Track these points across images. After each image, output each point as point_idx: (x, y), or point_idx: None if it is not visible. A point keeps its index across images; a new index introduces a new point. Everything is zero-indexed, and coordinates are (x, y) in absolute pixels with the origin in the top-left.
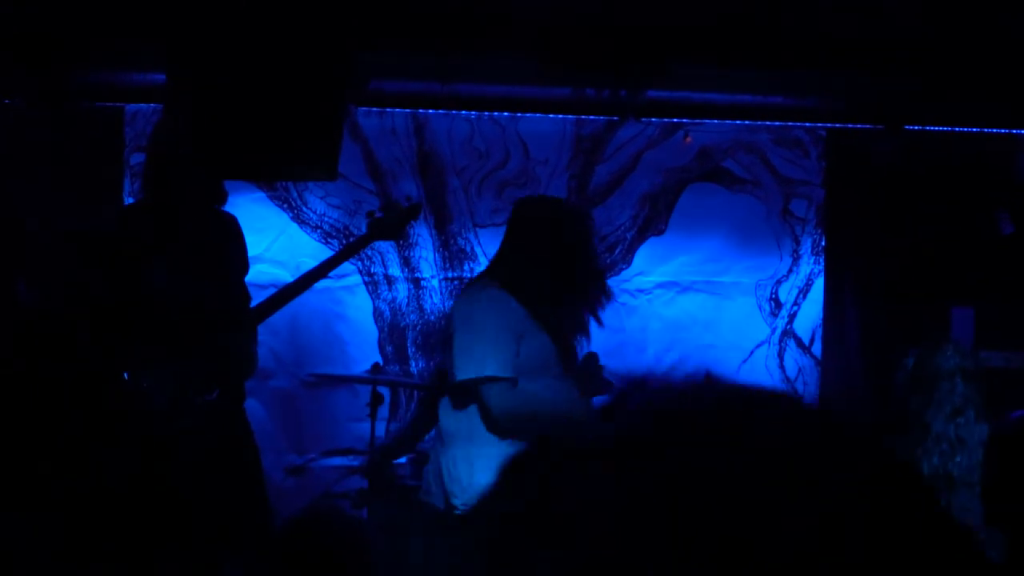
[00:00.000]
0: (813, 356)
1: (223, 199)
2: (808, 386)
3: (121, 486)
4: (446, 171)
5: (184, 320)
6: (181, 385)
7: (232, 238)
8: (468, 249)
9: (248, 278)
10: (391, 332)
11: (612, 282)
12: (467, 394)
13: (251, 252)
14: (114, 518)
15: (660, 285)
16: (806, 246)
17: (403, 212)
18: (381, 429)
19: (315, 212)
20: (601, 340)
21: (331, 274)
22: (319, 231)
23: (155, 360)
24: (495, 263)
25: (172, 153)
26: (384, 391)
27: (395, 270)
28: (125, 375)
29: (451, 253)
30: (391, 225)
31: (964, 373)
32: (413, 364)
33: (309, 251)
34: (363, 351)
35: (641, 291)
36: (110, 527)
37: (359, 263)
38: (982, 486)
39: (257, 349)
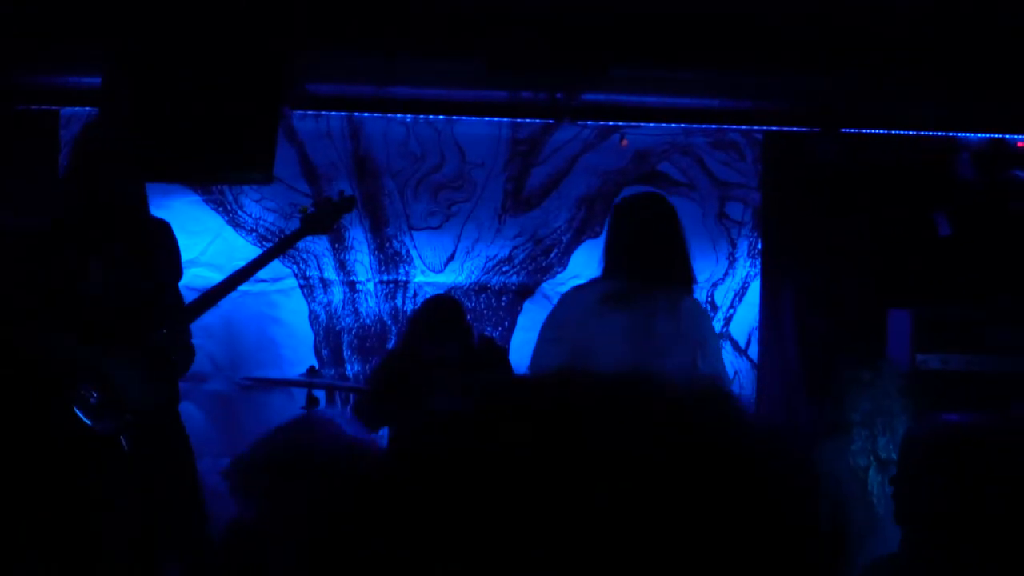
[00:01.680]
0: (749, 359)
1: (143, 202)
2: (744, 389)
3: (53, 487)
4: (382, 174)
5: (113, 322)
6: (113, 387)
7: (162, 243)
8: (403, 252)
9: (183, 282)
10: (327, 335)
11: (547, 285)
12: None
13: (186, 256)
14: (47, 520)
15: None
16: (742, 249)
17: (335, 205)
18: None
19: (251, 215)
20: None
21: (266, 277)
22: (255, 234)
23: (85, 361)
24: (661, 271)
25: (90, 159)
26: (320, 394)
27: (330, 273)
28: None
29: (386, 256)
30: (322, 219)
31: (886, 377)
32: (349, 367)
33: (244, 254)
34: (298, 354)
35: None
36: (43, 529)
37: (294, 266)
38: (893, 484)
39: (192, 344)
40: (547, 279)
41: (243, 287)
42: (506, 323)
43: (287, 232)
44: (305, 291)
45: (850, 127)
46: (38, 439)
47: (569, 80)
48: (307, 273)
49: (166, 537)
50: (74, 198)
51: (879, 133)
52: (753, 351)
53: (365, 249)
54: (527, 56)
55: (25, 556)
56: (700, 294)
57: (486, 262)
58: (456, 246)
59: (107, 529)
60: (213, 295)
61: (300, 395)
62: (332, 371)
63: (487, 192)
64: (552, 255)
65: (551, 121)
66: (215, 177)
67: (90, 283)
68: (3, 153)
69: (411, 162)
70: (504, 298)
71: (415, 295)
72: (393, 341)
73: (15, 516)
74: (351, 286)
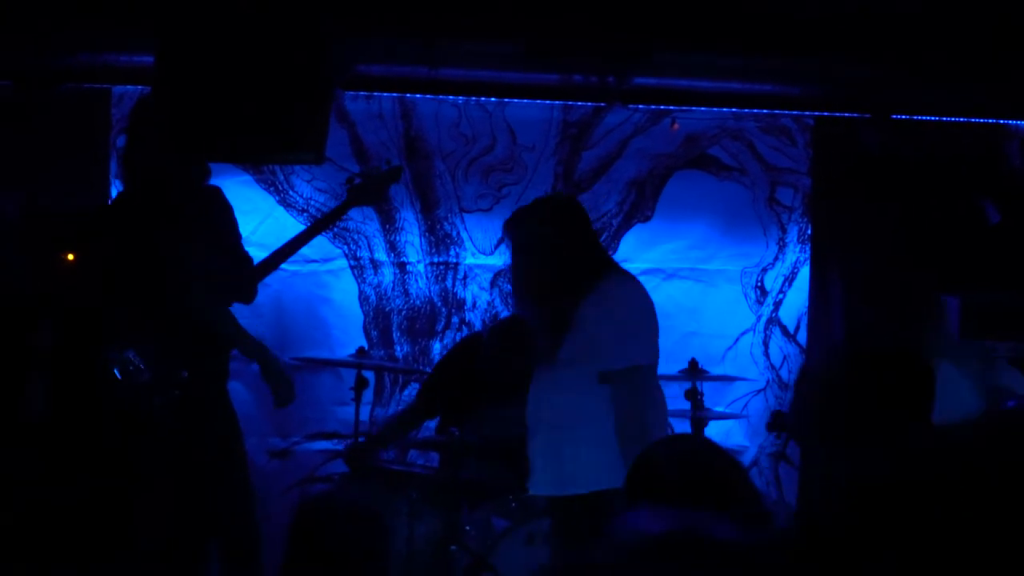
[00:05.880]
0: (798, 344)
1: (205, 177)
2: (793, 374)
3: (104, 462)
4: (432, 156)
5: (165, 297)
6: (163, 361)
7: (217, 210)
8: (454, 234)
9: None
10: (376, 316)
11: None
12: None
13: None
14: (96, 494)
15: (645, 272)
16: (792, 234)
17: (383, 175)
18: (366, 413)
19: (301, 195)
20: None
21: (317, 257)
22: (305, 214)
23: (138, 336)
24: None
25: (144, 134)
26: (369, 375)
27: (381, 254)
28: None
29: (437, 238)
30: (370, 189)
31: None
32: (398, 348)
33: (295, 234)
34: (348, 335)
35: None
36: (93, 504)
37: (345, 247)
38: None
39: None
40: None
41: (293, 267)
42: None
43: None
44: (355, 272)
45: (900, 113)
46: (84, 414)
47: (612, 64)
48: (357, 254)
49: (212, 515)
50: (131, 176)
51: (929, 120)
52: (802, 336)
53: (415, 230)
54: (569, 40)
55: (69, 527)
56: (749, 279)
57: None
58: None
59: (149, 504)
60: (264, 267)
61: (349, 376)
62: (381, 352)
63: (537, 175)
64: (602, 238)
65: (602, 104)
66: (266, 157)
67: (146, 259)
68: (54, 131)
69: (462, 144)
70: None
71: (465, 277)
72: (443, 323)
73: (61, 487)
74: (401, 267)
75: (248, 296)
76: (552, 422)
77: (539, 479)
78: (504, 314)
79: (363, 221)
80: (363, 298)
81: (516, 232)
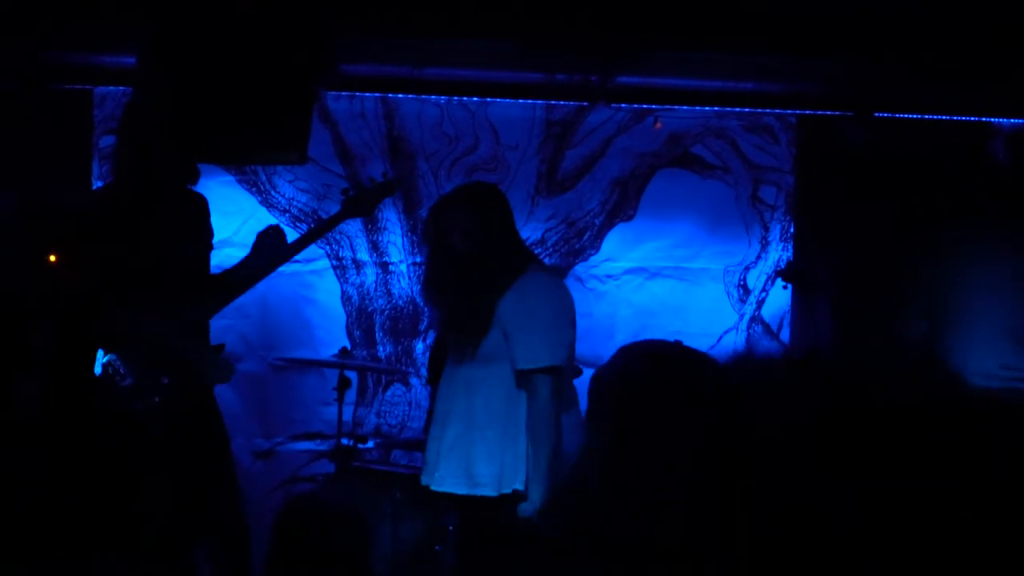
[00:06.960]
0: (781, 342)
1: (195, 178)
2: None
3: (90, 463)
4: (416, 155)
5: (153, 297)
6: (149, 363)
7: (199, 218)
8: None
9: (217, 261)
10: (359, 316)
11: (580, 267)
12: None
13: (220, 236)
14: (86, 496)
15: (629, 271)
16: (775, 232)
17: (377, 188)
18: (348, 413)
19: (284, 196)
20: None
21: (300, 258)
22: (288, 215)
23: (123, 336)
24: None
25: (141, 134)
26: (352, 375)
27: (364, 254)
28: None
29: (420, 238)
30: (365, 202)
31: None
32: (381, 349)
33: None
34: (331, 335)
35: (610, 277)
36: (81, 506)
37: (327, 247)
38: None
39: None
40: (580, 262)
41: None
42: None
43: (320, 213)
44: (338, 272)
45: (883, 111)
46: (84, 414)
47: (598, 63)
48: (340, 254)
49: (203, 515)
50: (124, 174)
51: (913, 118)
52: (785, 335)
53: (398, 230)
54: (554, 39)
55: (66, 527)
56: (732, 277)
57: None
58: None
59: (140, 505)
60: (252, 277)
61: (332, 376)
62: (364, 352)
63: (520, 174)
64: (585, 237)
65: (585, 103)
66: (249, 158)
67: (137, 260)
68: (37, 132)
69: (445, 144)
70: None
71: None
72: (426, 323)
73: (51, 490)
74: (384, 267)
75: (209, 313)
76: (466, 420)
77: (444, 476)
78: None
79: (346, 221)
80: (346, 298)
81: (432, 222)
